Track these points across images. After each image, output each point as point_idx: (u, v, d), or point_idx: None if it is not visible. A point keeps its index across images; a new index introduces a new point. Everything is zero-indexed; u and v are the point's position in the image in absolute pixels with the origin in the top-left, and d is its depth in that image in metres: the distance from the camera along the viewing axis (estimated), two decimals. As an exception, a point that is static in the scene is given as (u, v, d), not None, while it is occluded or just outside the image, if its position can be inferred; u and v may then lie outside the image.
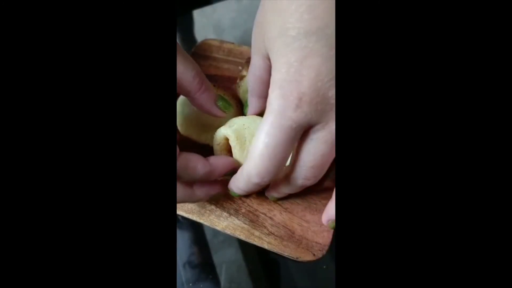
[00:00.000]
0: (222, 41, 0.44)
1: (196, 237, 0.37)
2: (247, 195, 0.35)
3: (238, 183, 0.28)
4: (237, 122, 0.30)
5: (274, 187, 0.31)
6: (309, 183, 0.28)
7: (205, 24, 0.61)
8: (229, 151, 0.31)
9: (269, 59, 0.24)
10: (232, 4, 0.62)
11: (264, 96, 0.28)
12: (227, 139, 0.30)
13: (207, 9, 0.61)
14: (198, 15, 0.61)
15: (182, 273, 0.34)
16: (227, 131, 0.30)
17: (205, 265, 0.35)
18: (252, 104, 0.31)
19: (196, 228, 0.37)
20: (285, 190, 0.30)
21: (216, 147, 0.32)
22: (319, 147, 0.24)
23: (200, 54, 0.44)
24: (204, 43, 0.44)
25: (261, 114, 0.30)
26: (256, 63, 0.26)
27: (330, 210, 0.30)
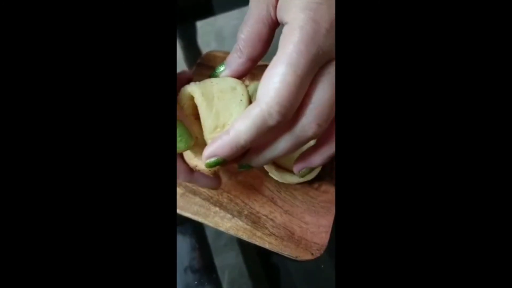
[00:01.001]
0: (226, 53, 0.47)
1: (197, 241, 0.38)
2: (249, 198, 0.37)
3: (242, 134, 0.22)
4: (204, 80, 0.26)
5: (265, 146, 0.25)
6: (319, 131, 0.23)
7: (207, 32, 0.63)
8: (196, 115, 0.26)
9: (274, 6, 0.22)
10: (234, 13, 0.64)
11: (253, 59, 0.25)
12: (193, 99, 0.26)
13: (210, 18, 0.63)
14: (201, 23, 0.63)
15: (184, 278, 0.36)
16: (192, 87, 0.25)
17: (206, 269, 0.36)
18: (234, 65, 0.25)
19: (198, 233, 0.38)
20: (283, 144, 0.24)
21: (184, 111, 0.27)
22: (333, 83, 0.22)
23: (205, 64, 0.46)
24: (209, 54, 0.47)
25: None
26: (258, 14, 0.23)
27: (309, 159, 0.26)
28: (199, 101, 0.25)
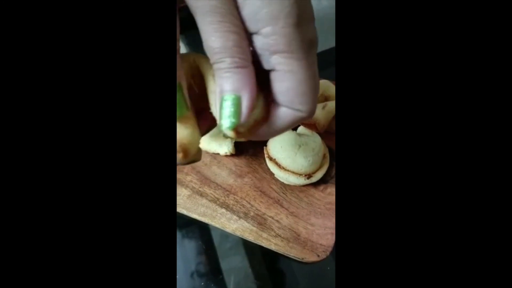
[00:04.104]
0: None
1: (203, 245, 0.38)
2: (255, 200, 0.37)
3: (280, 132, 0.22)
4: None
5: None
6: None
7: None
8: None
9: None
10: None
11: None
12: (193, 70, 0.23)
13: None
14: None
15: (190, 282, 0.36)
16: (197, 55, 0.22)
17: (212, 273, 0.36)
18: (250, 80, 0.20)
19: (204, 236, 0.39)
20: None
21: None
22: None
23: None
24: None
25: None
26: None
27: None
28: (207, 70, 0.21)
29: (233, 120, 0.19)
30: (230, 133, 0.20)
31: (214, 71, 0.19)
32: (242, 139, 0.23)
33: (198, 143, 0.21)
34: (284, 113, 0.21)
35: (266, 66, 0.20)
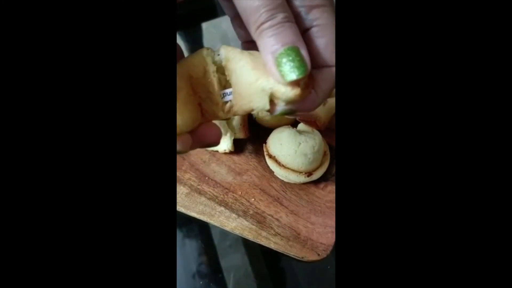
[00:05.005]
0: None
1: (204, 244, 0.38)
2: (254, 198, 0.37)
3: (327, 95, 0.22)
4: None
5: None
6: None
7: (213, 34, 0.64)
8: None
9: None
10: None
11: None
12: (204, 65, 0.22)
13: (215, 21, 0.64)
14: (207, 26, 0.64)
15: (192, 283, 0.36)
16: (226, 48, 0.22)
17: (212, 271, 0.36)
18: (298, 35, 0.21)
19: (204, 235, 0.39)
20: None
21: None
22: None
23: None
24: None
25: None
26: None
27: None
28: (239, 55, 0.21)
29: (302, 68, 0.18)
30: (294, 91, 0.19)
31: (260, 33, 0.19)
32: (292, 111, 0.21)
33: (181, 127, 0.21)
34: (327, 73, 0.21)
35: (305, 24, 0.20)
